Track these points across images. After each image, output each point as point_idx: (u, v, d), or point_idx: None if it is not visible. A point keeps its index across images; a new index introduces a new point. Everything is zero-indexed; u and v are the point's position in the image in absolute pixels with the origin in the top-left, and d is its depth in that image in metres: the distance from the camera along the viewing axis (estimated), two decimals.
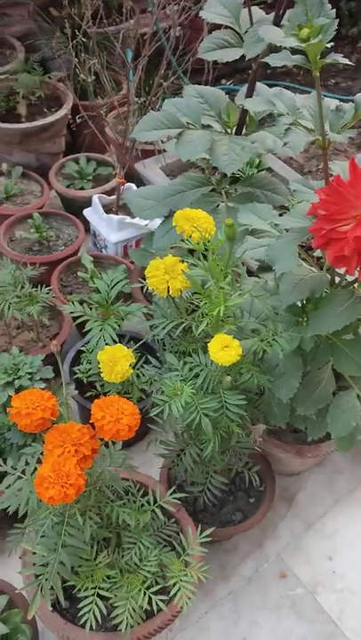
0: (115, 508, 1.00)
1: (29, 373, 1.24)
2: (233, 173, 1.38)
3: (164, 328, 1.05)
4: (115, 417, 0.88)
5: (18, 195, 2.10)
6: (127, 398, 1.53)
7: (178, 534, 1.22)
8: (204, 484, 1.20)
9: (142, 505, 1.07)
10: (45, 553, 0.95)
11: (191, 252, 1.06)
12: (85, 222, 2.01)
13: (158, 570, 1.05)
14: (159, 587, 1.02)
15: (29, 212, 1.97)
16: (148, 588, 1.01)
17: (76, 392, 1.39)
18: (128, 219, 1.89)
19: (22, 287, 1.53)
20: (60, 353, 1.68)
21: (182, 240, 1.09)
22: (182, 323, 1.05)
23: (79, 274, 1.76)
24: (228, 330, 0.99)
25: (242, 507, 1.36)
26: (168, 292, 1.03)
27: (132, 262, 1.82)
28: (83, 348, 1.36)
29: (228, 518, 1.34)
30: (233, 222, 0.94)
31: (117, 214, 1.95)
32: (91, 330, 1.36)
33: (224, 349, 0.96)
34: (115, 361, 0.99)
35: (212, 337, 1.00)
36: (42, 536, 0.95)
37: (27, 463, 1.01)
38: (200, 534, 1.06)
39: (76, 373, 1.23)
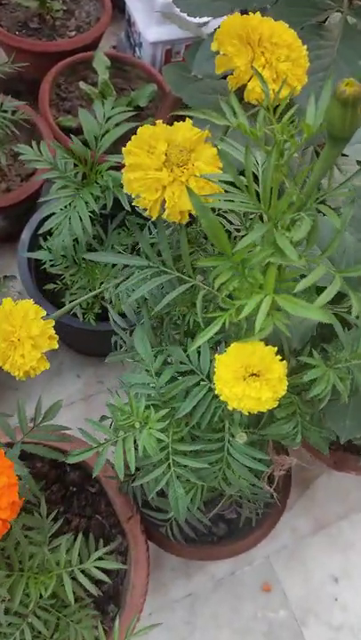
0: None
1: None
2: None
3: (142, 281, 0.49)
4: None
5: None
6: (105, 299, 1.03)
7: (122, 553, 0.80)
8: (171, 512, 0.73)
9: (54, 550, 0.61)
10: None
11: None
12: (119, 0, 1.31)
13: None
14: None
15: None
16: None
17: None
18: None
19: None
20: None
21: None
22: (185, 282, 0.49)
23: (81, 85, 1.13)
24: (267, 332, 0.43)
25: (230, 517, 0.91)
26: (163, 208, 0.46)
27: None
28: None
29: (206, 530, 0.90)
30: (358, 88, 0.33)
31: None
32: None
33: (248, 381, 0.41)
34: (12, 341, 0.46)
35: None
36: None
37: None
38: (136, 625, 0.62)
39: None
